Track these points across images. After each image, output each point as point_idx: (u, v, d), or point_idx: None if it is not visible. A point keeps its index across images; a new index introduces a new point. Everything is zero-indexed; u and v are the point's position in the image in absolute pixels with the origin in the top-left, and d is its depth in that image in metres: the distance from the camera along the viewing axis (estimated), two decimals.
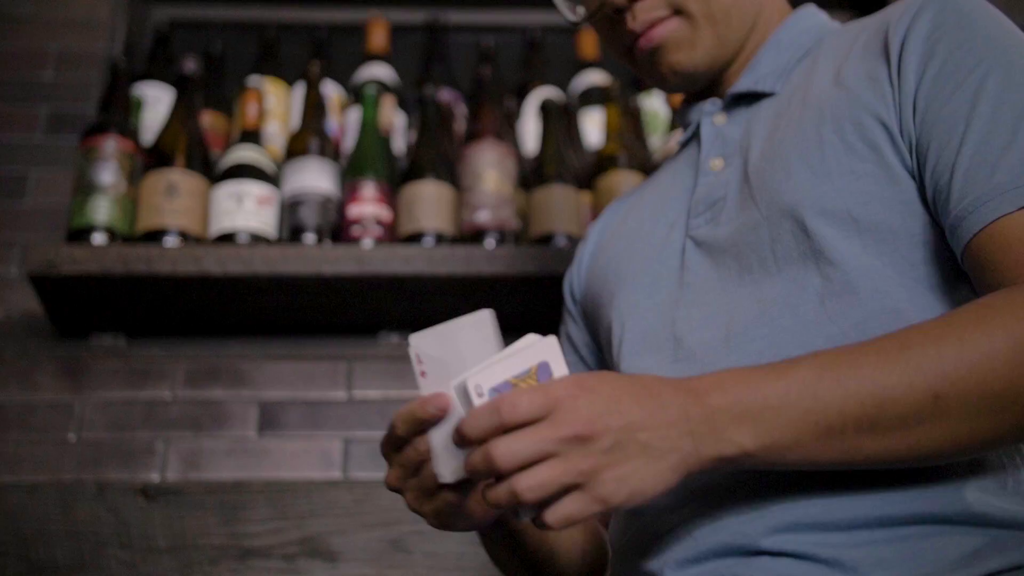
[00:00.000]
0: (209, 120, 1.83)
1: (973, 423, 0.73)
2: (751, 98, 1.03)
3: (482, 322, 0.80)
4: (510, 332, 1.73)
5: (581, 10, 1.07)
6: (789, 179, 0.91)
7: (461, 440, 0.73)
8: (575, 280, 1.20)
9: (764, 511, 0.80)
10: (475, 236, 1.66)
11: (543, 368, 0.76)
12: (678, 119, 1.12)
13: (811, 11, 1.09)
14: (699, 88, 1.07)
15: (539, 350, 0.76)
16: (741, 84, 1.04)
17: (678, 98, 1.88)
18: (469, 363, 0.76)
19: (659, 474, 0.73)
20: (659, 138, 1.90)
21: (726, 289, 0.93)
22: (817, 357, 0.76)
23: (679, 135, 1.83)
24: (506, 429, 0.70)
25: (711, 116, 1.05)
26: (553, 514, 0.71)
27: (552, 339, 0.77)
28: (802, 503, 0.79)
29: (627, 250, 1.07)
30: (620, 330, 1.02)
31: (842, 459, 0.75)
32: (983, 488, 0.78)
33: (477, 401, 0.74)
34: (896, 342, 0.75)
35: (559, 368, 0.76)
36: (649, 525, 0.88)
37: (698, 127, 1.06)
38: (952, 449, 0.75)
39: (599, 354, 1.16)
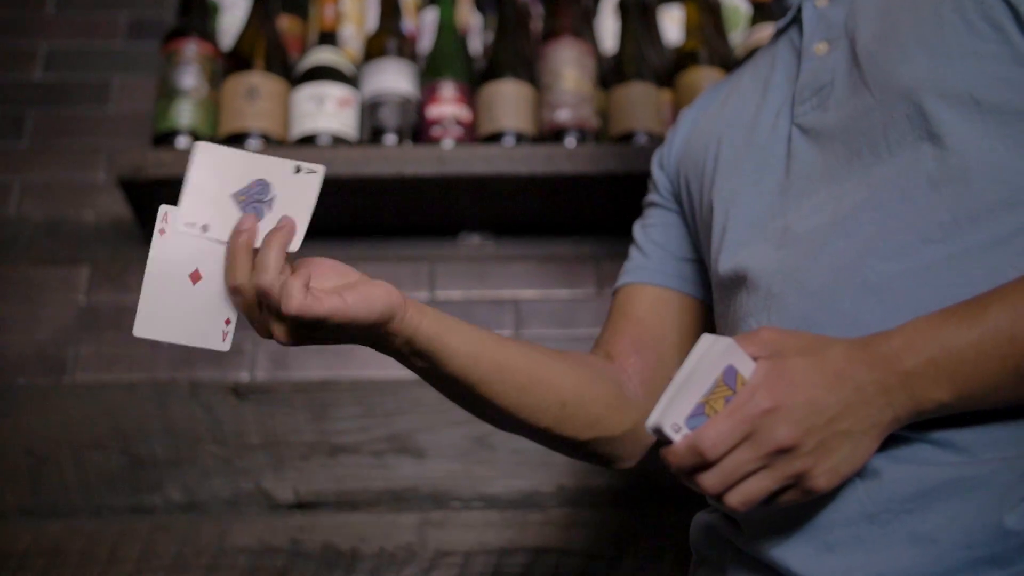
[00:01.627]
0: (286, 24, 1.83)
1: None
2: None
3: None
4: (591, 233, 1.73)
5: None
6: (906, 61, 0.87)
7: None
8: (664, 157, 1.17)
9: None
10: (555, 135, 1.65)
11: (729, 373, 0.74)
12: (775, 5, 1.08)
13: None
14: None
15: (718, 355, 0.74)
16: None
17: None
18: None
19: (866, 451, 0.74)
20: (739, 33, 1.86)
21: (835, 176, 0.90)
22: (1006, 296, 0.74)
23: (760, 29, 1.80)
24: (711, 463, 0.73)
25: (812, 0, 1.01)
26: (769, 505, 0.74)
27: (727, 340, 0.75)
28: None
29: (728, 135, 1.05)
30: (723, 217, 1.00)
31: None
32: None
33: (677, 437, 0.74)
34: None
35: (745, 366, 0.75)
36: None
37: (798, 11, 1.02)
38: None
39: (681, 218, 1.14)
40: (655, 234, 1.15)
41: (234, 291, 0.84)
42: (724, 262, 0.98)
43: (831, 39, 0.97)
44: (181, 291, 0.84)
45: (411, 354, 0.89)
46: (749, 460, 0.72)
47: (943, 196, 0.82)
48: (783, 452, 0.72)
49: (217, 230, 0.84)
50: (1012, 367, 0.73)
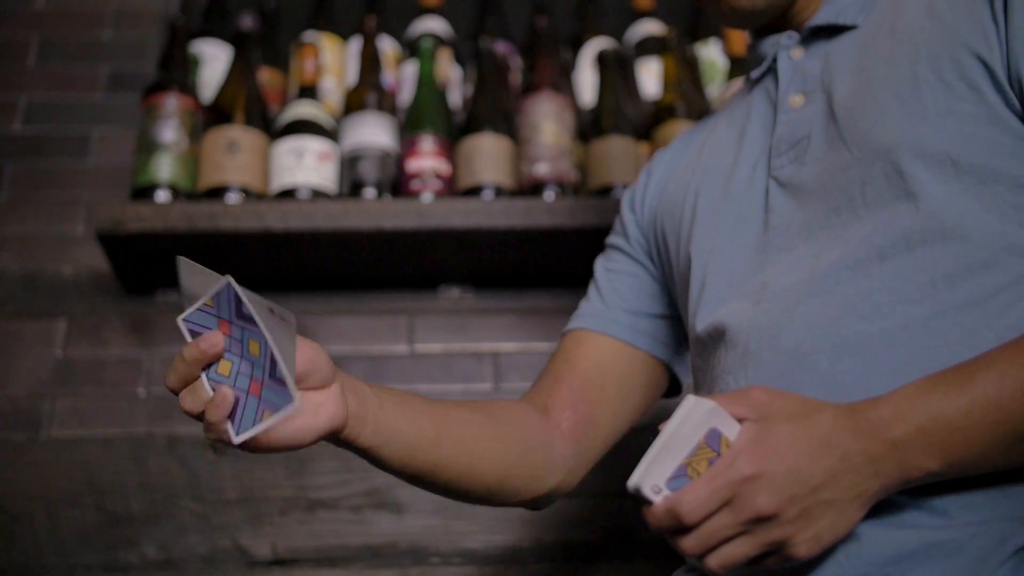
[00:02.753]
0: (266, 76, 1.84)
1: None
2: (831, 31, 0.99)
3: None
4: (570, 285, 1.74)
5: None
6: (883, 118, 0.88)
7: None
8: (636, 200, 1.17)
9: None
10: (534, 189, 1.66)
11: (712, 435, 0.74)
12: (750, 53, 1.09)
13: None
14: (765, 22, 1.03)
15: (702, 417, 0.74)
16: (821, 16, 1.00)
17: (736, 47, 1.87)
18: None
19: (850, 520, 0.74)
20: (716, 87, 1.88)
21: (812, 232, 0.90)
22: (993, 362, 0.74)
23: (737, 84, 1.81)
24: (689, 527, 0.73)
25: (787, 50, 1.02)
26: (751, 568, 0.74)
27: (711, 403, 0.75)
28: None
29: (706, 186, 1.05)
30: (702, 272, 1.00)
31: None
32: None
33: (657, 499, 0.74)
34: None
35: (729, 428, 0.74)
36: None
37: (774, 61, 1.03)
38: None
39: (647, 268, 1.14)
40: (618, 282, 1.15)
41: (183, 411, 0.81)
42: (703, 319, 0.98)
43: (807, 92, 0.98)
44: None
45: (355, 452, 0.90)
46: (728, 526, 0.72)
47: (920, 256, 0.83)
48: (764, 520, 0.72)
49: None
50: (1001, 435, 0.73)
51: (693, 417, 0.74)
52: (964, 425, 0.73)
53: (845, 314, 0.83)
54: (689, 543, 0.73)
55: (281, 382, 0.75)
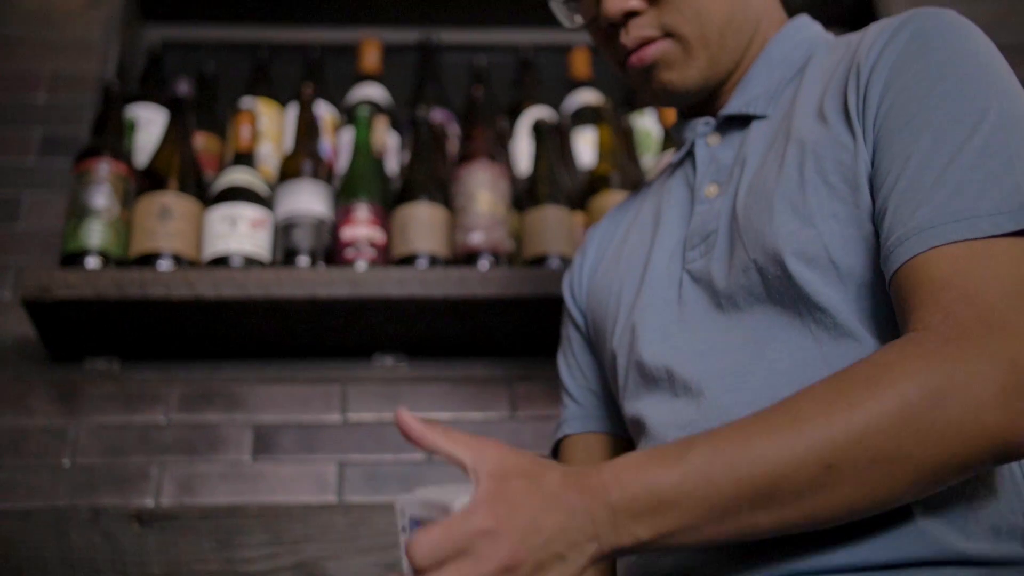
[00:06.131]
0: (202, 141, 1.83)
1: (867, 488, 0.73)
2: (744, 119, 1.02)
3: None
4: (505, 355, 1.74)
5: (579, 18, 1.07)
6: (772, 221, 0.89)
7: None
8: (575, 285, 1.19)
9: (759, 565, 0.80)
10: (469, 258, 1.67)
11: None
12: (674, 133, 1.11)
13: (804, 23, 1.07)
14: (694, 103, 1.05)
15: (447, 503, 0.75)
16: (732, 106, 1.02)
17: (671, 118, 1.89)
18: None
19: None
20: (651, 158, 1.90)
21: (720, 327, 0.92)
22: (711, 438, 0.75)
23: (670, 156, 1.84)
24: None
25: (704, 137, 1.04)
26: None
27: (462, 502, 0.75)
28: (796, 552, 0.79)
29: (629, 275, 1.06)
30: (625, 362, 1.01)
31: (739, 535, 0.75)
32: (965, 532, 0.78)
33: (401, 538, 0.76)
34: (787, 415, 0.74)
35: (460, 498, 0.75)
36: None
37: (693, 146, 1.05)
38: (848, 514, 0.74)
39: (595, 355, 1.15)
40: (580, 376, 1.17)
41: None
42: (627, 409, 1.00)
43: (720, 182, 1.00)
44: None
45: None
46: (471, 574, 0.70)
47: (825, 354, 0.84)
48: (504, 571, 0.71)
49: None
50: (708, 507, 0.73)
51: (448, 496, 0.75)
52: (675, 497, 0.73)
53: (752, 408, 0.84)
54: None
55: None
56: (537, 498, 0.73)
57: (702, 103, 1.05)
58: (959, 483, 0.77)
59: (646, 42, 1.00)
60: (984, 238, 0.77)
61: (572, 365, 1.18)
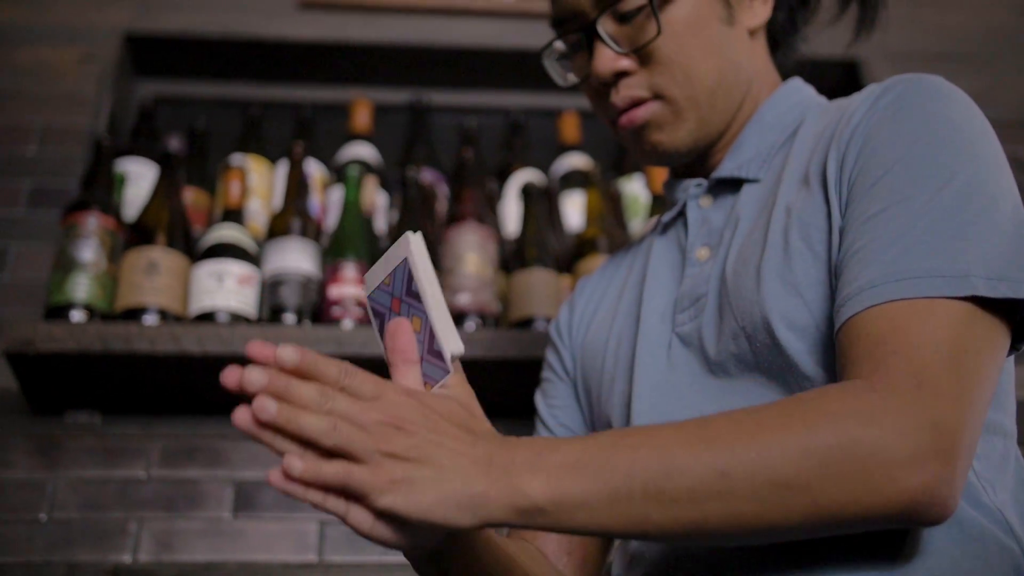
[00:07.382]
0: (192, 197, 1.84)
1: (761, 507, 0.73)
2: (735, 182, 1.02)
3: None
4: (489, 416, 1.73)
5: (572, 76, 1.08)
6: (759, 290, 0.89)
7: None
8: (564, 329, 1.18)
9: None
10: (456, 319, 1.66)
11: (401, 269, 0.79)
12: (665, 192, 1.11)
13: (797, 86, 1.07)
14: (686, 162, 1.06)
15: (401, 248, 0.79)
16: (724, 168, 1.02)
17: (659, 182, 1.92)
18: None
19: (443, 497, 0.71)
20: (639, 222, 1.92)
21: (706, 392, 0.92)
22: (623, 430, 0.78)
23: (654, 221, 1.85)
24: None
25: (696, 199, 1.04)
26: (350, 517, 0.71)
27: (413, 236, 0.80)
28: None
29: (624, 335, 1.06)
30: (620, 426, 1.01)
31: (632, 526, 0.74)
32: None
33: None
34: (700, 424, 0.76)
35: (422, 269, 0.78)
36: None
37: (684, 206, 1.05)
38: (740, 530, 0.74)
39: (577, 400, 1.14)
40: (562, 415, 1.15)
41: None
42: None
43: (712, 245, 1.00)
44: None
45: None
46: (363, 411, 0.72)
47: None
48: (390, 427, 0.71)
49: None
50: (603, 481, 0.73)
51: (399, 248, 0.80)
52: (573, 462, 0.74)
53: None
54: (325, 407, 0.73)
55: (438, 355, 0.78)
56: (456, 416, 0.75)
57: (695, 162, 1.06)
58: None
59: (636, 103, 1.01)
60: (926, 298, 0.78)
61: (554, 407, 1.16)
